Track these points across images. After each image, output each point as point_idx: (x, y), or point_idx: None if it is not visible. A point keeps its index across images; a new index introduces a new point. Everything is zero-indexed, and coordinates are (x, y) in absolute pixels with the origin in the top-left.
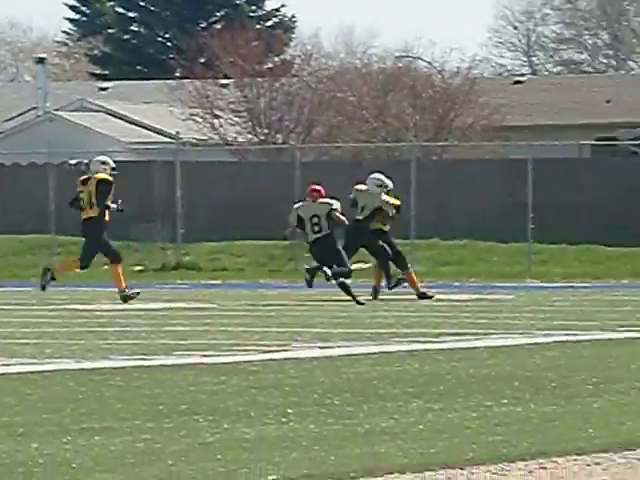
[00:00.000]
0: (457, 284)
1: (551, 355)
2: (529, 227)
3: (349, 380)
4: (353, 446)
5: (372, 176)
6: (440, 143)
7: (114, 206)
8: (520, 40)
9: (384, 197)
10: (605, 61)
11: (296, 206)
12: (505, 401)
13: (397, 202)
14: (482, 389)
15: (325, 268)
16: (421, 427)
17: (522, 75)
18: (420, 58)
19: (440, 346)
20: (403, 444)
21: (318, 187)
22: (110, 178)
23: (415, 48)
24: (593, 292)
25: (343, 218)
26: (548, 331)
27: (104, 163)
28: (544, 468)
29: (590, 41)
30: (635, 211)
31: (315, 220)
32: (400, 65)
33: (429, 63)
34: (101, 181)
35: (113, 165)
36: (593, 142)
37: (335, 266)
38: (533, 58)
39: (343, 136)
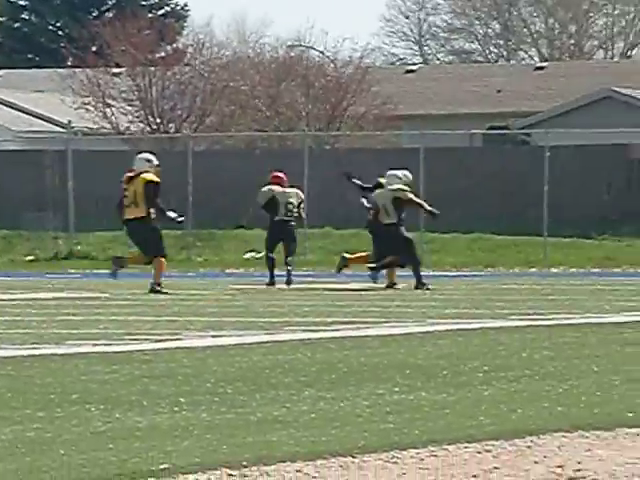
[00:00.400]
0: (349, 273)
1: (442, 343)
2: (421, 216)
3: (241, 369)
4: (245, 434)
5: (390, 173)
6: (333, 132)
7: (173, 215)
8: (412, 29)
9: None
10: (496, 51)
11: (267, 188)
12: (397, 389)
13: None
14: (374, 377)
15: None
16: (313, 415)
17: (414, 64)
18: (312, 47)
19: (332, 335)
20: (295, 432)
21: (282, 174)
22: (157, 179)
23: (307, 37)
24: (484, 281)
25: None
26: (440, 319)
27: (149, 161)
28: (435, 456)
29: (481, 31)
30: (525, 199)
31: (290, 207)
32: (292, 54)
33: (321, 52)
34: (148, 183)
35: (156, 162)
36: (484, 131)
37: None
38: (425, 47)
39: (236, 125)
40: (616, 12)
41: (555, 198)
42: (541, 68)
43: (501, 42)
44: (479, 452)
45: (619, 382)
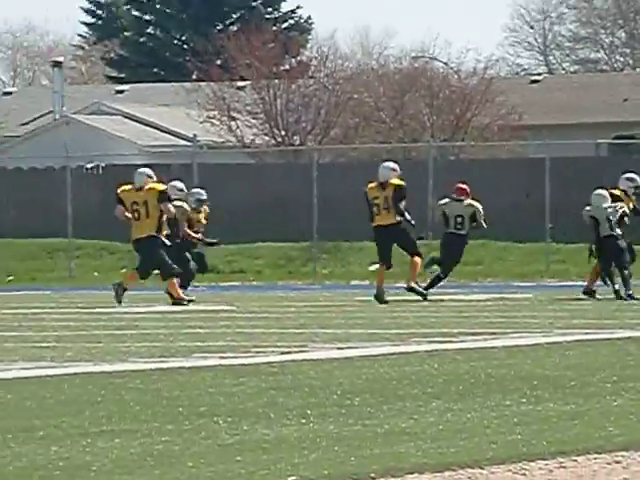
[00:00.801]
0: (475, 284)
1: (570, 354)
2: (547, 227)
3: (368, 380)
4: (373, 446)
5: None
6: (457, 143)
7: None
8: (536, 39)
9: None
10: (621, 59)
11: (442, 202)
12: (524, 400)
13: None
14: (501, 388)
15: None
16: (440, 427)
17: (539, 74)
18: (436, 58)
19: (459, 346)
20: (423, 444)
21: (464, 186)
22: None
23: (431, 48)
24: (610, 291)
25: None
26: (567, 330)
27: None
28: (564, 467)
29: (606, 39)
30: None
31: (459, 220)
32: (416, 65)
33: (445, 63)
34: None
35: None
36: (610, 141)
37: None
38: (550, 57)
39: (360, 137)
40: None
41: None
42: None
43: (627, 51)
44: (608, 463)
45: None
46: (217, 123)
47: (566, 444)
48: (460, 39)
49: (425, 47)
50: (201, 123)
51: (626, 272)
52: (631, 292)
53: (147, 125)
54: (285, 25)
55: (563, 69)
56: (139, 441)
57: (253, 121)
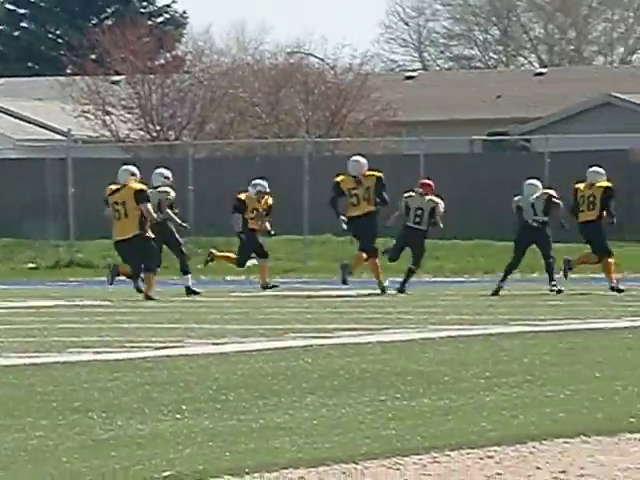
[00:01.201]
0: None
1: (444, 350)
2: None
3: (243, 376)
4: (248, 442)
5: None
6: (332, 139)
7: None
8: (411, 36)
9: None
10: (495, 56)
11: (406, 195)
12: (398, 395)
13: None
14: (375, 384)
15: None
16: (315, 422)
17: (414, 71)
18: (312, 54)
19: (334, 341)
20: (297, 439)
21: (429, 182)
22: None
23: (307, 44)
24: (485, 287)
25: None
26: (441, 326)
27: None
28: (437, 462)
29: (480, 37)
30: None
31: (419, 212)
32: (292, 61)
33: (321, 59)
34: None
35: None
36: (484, 137)
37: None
38: (424, 54)
39: (235, 132)
40: (615, 17)
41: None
42: (541, 74)
43: (500, 48)
44: (481, 458)
45: (621, 387)
46: (92, 117)
47: (439, 439)
48: (336, 35)
49: (301, 43)
50: (76, 117)
51: (550, 261)
52: (554, 284)
53: (21, 119)
54: (160, 19)
55: (438, 66)
56: (12, 436)
57: (128, 116)
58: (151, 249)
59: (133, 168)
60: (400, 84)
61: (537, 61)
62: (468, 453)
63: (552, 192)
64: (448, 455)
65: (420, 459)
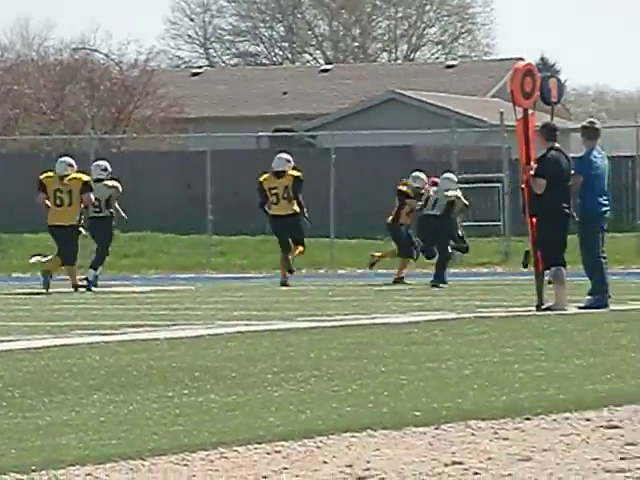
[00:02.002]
0: (137, 276)
1: (231, 345)
2: (209, 219)
3: (29, 373)
4: (34, 439)
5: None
6: (119, 135)
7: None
8: (197, 32)
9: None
10: (281, 53)
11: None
12: (186, 392)
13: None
14: (163, 380)
15: None
16: (102, 419)
17: (199, 67)
18: (97, 50)
19: (121, 338)
20: (84, 436)
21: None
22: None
23: (92, 40)
24: (272, 282)
25: None
26: (228, 322)
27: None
28: (225, 457)
29: (266, 33)
30: (312, 201)
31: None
32: (77, 57)
33: (106, 55)
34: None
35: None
36: (270, 134)
37: None
38: (210, 50)
39: (20, 128)
40: (399, 15)
41: (342, 200)
42: (326, 70)
43: (286, 44)
44: (269, 453)
45: (406, 382)
46: None
47: (227, 434)
48: (121, 31)
49: (85, 39)
50: None
51: (444, 255)
52: (434, 281)
53: None
54: None
55: (223, 62)
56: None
57: None
58: (76, 243)
59: (71, 160)
60: (186, 80)
61: (322, 58)
62: (256, 448)
63: (460, 195)
64: (236, 450)
65: (207, 455)
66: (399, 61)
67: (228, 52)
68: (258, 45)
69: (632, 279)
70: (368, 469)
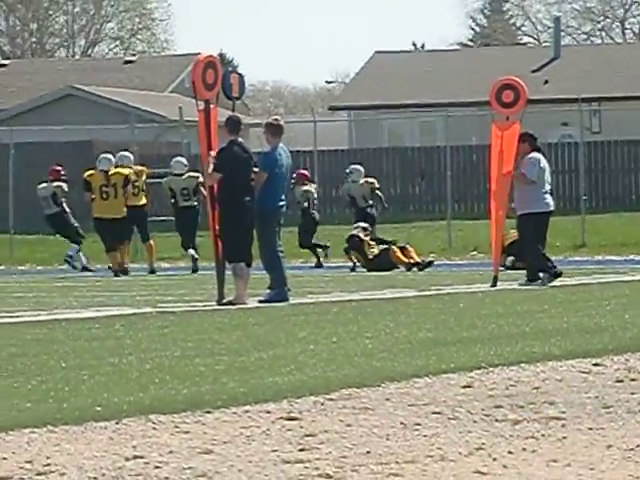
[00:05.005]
0: None
1: None
2: None
3: None
4: None
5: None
6: None
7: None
8: None
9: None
10: None
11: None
12: None
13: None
14: None
15: None
16: None
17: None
18: None
19: None
20: None
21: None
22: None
23: None
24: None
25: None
26: None
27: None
28: None
29: None
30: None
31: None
32: None
33: None
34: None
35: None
36: None
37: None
38: None
39: None
40: (76, 10)
41: (20, 194)
42: (3, 66)
43: None
44: None
45: (87, 377)
46: None
47: None
48: None
49: None
50: None
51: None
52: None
53: None
54: None
55: None
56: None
57: None
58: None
59: (111, 156)
60: None
61: None
62: None
63: (374, 181)
64: None
65: None
66: (77, 56)
67: None
68: None
69: (310, 273)
70: (48, 464)
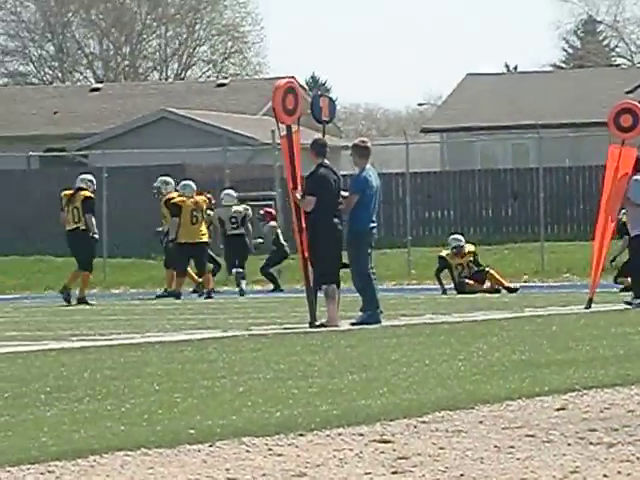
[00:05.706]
0: None
1: (2, 366)
2: None
3: None
4: None
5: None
6: None
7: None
8: None
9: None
10: (51, 72)
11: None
12: None
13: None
14: None
15: None
16: None
17: None
18: None
19: None
20: None
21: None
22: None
23: None
24: (53, 302)
25: None
26: (2, 342)
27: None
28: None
29: (35, 52)
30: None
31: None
32: None
33: None
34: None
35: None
36: (41, 154)
37: None
38: None
39: None
40: (169, 34)
41: (115, 218)
42: (97, 89)
43: (56, 64)
44: (42, 473)
45: (180, 400)
46: None
47: (0, 455)
48: None
49: None
50: None
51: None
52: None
53: None
54: None
55: None
56: None
57: None
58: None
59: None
60: None
61: (93, 76)
62: (28, 468)
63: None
64: (9, 471)
65: None
66: (170, 80)
67: None
68: (27, 64)
69: (403, 295)
70: None
